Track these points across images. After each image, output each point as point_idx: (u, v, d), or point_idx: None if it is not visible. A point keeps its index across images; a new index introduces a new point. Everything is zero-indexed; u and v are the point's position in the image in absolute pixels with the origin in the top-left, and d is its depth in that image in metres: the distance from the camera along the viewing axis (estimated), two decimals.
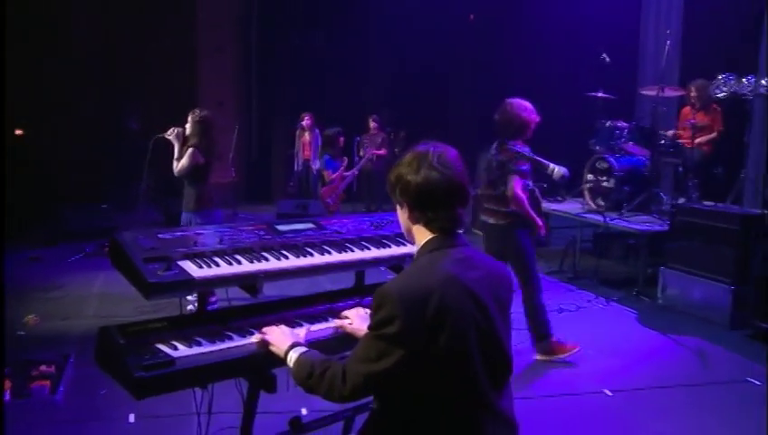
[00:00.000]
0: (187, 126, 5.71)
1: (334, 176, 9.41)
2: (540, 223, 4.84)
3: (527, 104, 4.83)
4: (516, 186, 4.67)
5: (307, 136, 10.57)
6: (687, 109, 7.73)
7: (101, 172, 10.39)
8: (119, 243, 2.30)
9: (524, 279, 4.90)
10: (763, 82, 6.66)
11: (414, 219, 2.03)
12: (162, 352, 2.16)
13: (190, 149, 5.57)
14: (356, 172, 9.96)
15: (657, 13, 9.73)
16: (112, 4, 10.92)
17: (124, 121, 10.81)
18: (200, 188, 5.68)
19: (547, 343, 4.96)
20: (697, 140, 7.34)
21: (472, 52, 12.38)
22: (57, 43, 10.22)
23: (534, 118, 4.84)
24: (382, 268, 2.96)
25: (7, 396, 4.04)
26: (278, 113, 12.78)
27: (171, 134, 5.66)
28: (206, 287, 2.41)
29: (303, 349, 2.15)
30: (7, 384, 4.07)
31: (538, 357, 4.99)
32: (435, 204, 1.98)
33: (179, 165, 5.59)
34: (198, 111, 5.78)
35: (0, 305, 3.69)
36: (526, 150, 4.74)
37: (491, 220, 4.95)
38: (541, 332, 4.96)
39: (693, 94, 7.57)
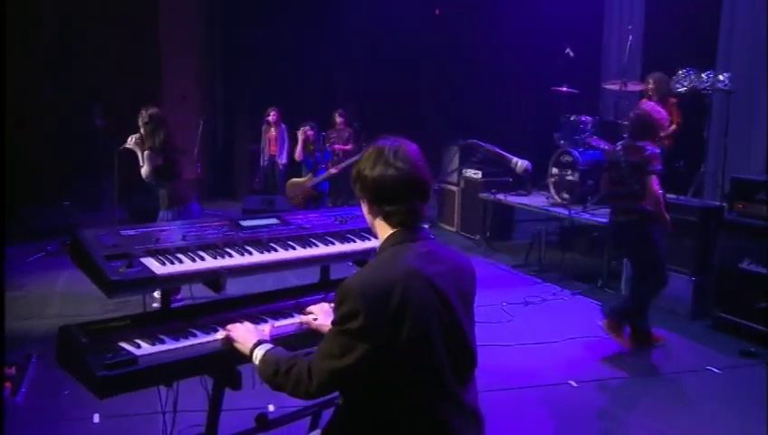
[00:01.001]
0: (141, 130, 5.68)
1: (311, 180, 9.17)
2: (668, 219, 5.05)
3: (660, 108, 5.16)
4: (655, 185, 4.87)
5: (273, 131, 10.47)
6: (644, 101, 7.82)
7: (63, 169, 10.17)
8: (79, 240, 2.26)
9: (647, 272, 5.10)
10: (721, 77, 6.78)
11: (374, 214, 2.05)
12: (125, 350, 2.14)
13: (146, 153, 5.58)
14: (334, 172, 9.69)
15: (620, 8, 9.88)
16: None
17: (87, 118, 10.60)
18: (170, 187, 5.66)
19: (615, 324, 5.12)
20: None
21: (438, 46, 12.41)
22: (18, 38, 9.98)
23: (666, 123, 5.20)
24: (348, 263, 2.96)
25: None
26: (243, 109, 12.66)
27: (131, 143, 5.65)
28: (168, 284, 2.39)
29: (269, 346, 2.15)
30: None
31: (601, 323, 5.18)
32: (391, 198, 1.99)
33: (143, 172, 5.62)
34: (144, 111, 5.71)
35: (0, 306, 3.60)
36: (657, 151, 4.93)
37: (621, 218, 5.17)
38: (627, 318, 5.16)
39: (651, 86, 7.64)
